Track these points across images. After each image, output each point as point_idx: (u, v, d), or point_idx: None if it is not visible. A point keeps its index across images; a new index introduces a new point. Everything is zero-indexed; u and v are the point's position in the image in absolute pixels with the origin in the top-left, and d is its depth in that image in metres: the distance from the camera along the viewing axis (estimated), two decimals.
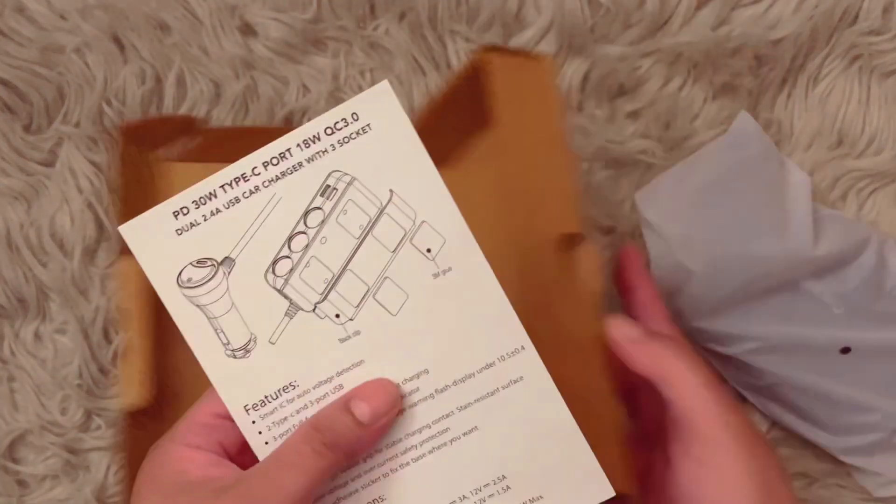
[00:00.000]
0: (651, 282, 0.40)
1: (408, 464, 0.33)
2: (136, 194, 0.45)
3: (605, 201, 0.50)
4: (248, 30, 0.50)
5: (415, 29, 0.49)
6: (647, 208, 0.47)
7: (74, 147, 0.49)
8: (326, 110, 0.49)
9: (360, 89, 0.50)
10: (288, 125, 0.50)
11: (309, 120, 0.49)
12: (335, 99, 0.50)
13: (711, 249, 0.45)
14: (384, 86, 0.32)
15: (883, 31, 0.48)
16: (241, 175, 0.32)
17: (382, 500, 0.33)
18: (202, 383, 0.44)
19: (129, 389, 0.41)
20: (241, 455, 0.34)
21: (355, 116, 0.32)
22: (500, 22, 0.48)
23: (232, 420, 0.33)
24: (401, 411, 0.33)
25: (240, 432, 0.33)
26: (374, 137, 0.32)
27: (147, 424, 0.41)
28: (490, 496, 0.34)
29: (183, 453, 0.32)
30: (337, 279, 0.33)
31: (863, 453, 0.48)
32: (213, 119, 0.49)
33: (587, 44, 0.48)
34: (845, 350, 0.46)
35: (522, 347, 0.33)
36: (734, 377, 0.49)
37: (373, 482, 0.33)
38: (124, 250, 0.42)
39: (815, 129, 0.49)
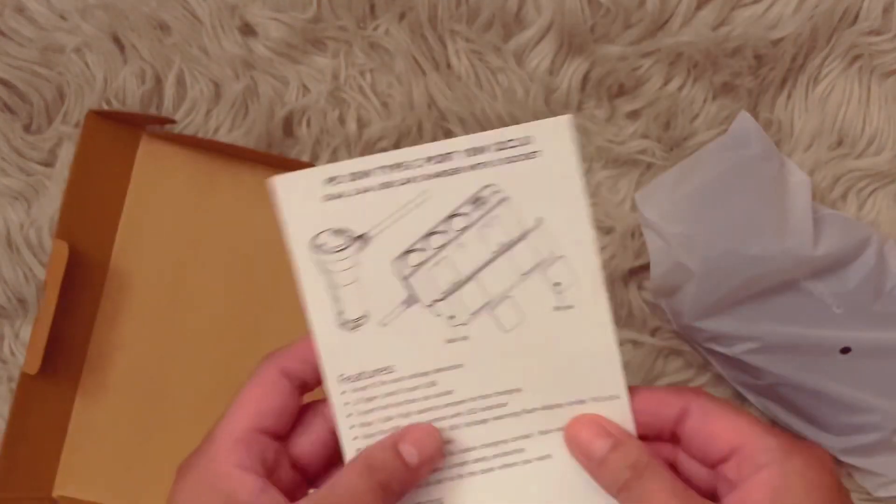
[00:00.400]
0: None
1: (475, 473, 0.34)
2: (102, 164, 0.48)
3: (605, 201, 0.50)
4: (248, 30, 0.50)
5: (415, 29, 0.49)
6: (647, 208, 0.47)
7: (74, 147, 0.49)
8: (326, 110, 0.49)
9: (360, 89, 0.50)
10: (288, 125, 0.50)
11: (309, 120, 0.50)
12: (335, 99, 0.50)
13: (711, 249, 0.45)
14: (567, 120, 0.32)
15: (883, 31, 0.48)
16: (402, 163, 0.32)
17: (440, 502, 0.34)
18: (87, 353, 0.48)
19: (30, 356, 0.44)
20: (276, 474, 0.33)
21: (528, 140, 0.32)
22: (500, 22, 0.48)
23: (269, 436, 0.33)
24: (482, 422, 0.34)
25: (276, 449, 0.33)
26: (540, 165, 0.32)
27: (33, 384, 0.46)
28: None
29: (230, 472, 0.32)
30: (462, 284, 0.33)
31: (863, 453, 0.48)
32: (213, 118, 0.50)
33: (587, 44, 0.48)
34: (845, 350, 0.46)
35: (617, 396, 0.33)
36: (734, 377, 0.49)
37: (437, 482, 0.34)
38: (57, 234, 0.45)
39: (815, 129, 0.49)
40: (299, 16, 0.48)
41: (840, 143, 0.50)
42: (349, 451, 0.33)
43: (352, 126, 0.50)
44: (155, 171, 0.49)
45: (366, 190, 0.32)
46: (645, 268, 0.49)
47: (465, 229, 0.33)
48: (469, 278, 0.33)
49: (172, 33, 0.49)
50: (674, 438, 0.34)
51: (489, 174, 0.32)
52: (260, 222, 0.49)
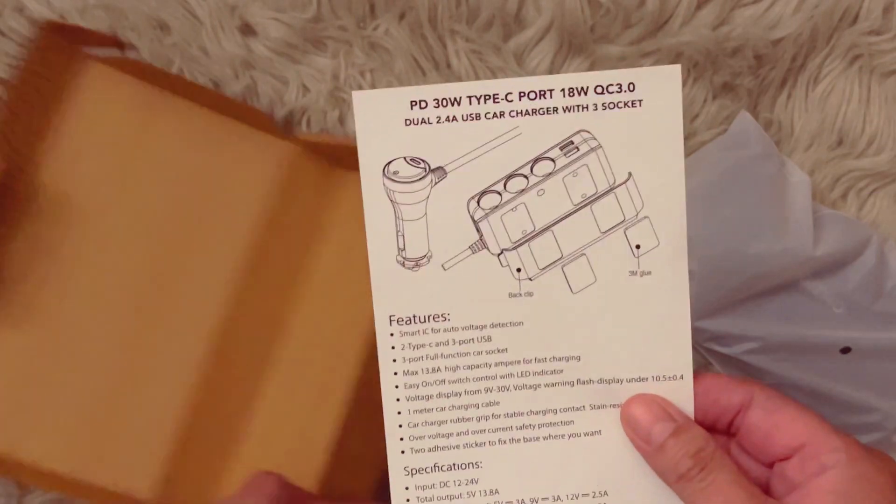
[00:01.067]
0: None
1: (518, 440, 0.32)
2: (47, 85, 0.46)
3: None
4: (248, 30, 0.49)
5: (415, 29, 0.49)
6: None
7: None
8: (326, 110, 0.49)
9: (360, 89, 0.50)
10: (288, 125, 0.50)
11: (309, 120, 0.49)
12: (335, 99, 0.50)
13: (711, 249, 0.45)
14: (675, 70, 0.30)
15: (883, 31, 0.48)
16: (493, 94, 0.30)
17: (478, 465, 0.32)
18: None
19: None
20: None
21: (632, 87, 0.30)
22: (500, 22, 0.48)
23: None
24: (534, 387, 0.32)
25: None
26: (640, 115, 0.30)
27: None
28: None
29: None
30: (535, 235, 0.31)
31: None
32: None
33: (587, 44, 0.48)
34: (845, 350, 0.46)
35: (682, 377, 0.32)
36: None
37: (476, 445, 0.32)
38: None
39: (816, 129, 0.49)
40: (299, 16, 0.48)
41: (840, 143, 0.50)
42: (389, 397, 0.31)
43: (352, 126, 0.49)
44: (100, 98, 0.46)
45: (451, 119, 0.30)
46: None
47: (549, 175, 0.31)
48: (544, 230, 0.31)
49: (172, 33, 0.49)
50: (728, 430, 0.32)
51: (585, 118, 0.30)
52: (202, 166, 0.46)
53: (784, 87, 0.50)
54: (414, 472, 0.32)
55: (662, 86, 0.30)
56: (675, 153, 0.31)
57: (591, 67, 0.49)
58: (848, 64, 0.49)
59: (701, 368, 0.51)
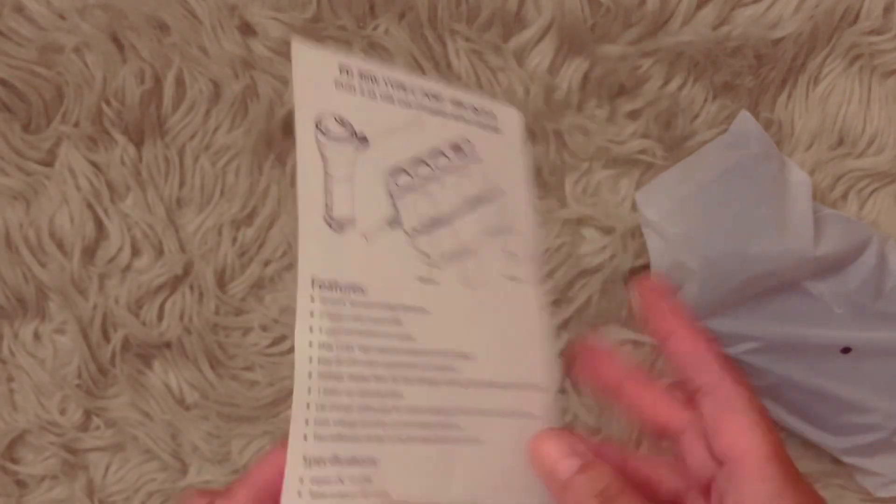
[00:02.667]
0: (685, 319, 0.33)
1: (415, 439, 0.30)
2: None
3: (605, 201, 0.50)
4: (247, 29, 0.49)
5: (415, 29, 0.49)
6: (647, 208, 0.47)
7: (73, 147, 0.49)
8: None
9: None
10: (288, 125, 0.50)
11: None
12: None
13: (711, 249, 0.45)
14: (519, 115, 0.34)
15: (883, 31, 0.48)
16: (404, 85, 0.32)
17: (374, 463, 0.29)
18: None
19: None
20: None
21: (493, 116, 0.33)
22: (501, 21, 0.48)
23: None
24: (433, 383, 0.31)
25: None
26: (501, 142, 0.33)
27: None
28: None
29: None
30: (440, 223, 0.32)
31: (863, 453, 0.48)
32: (213, 118, 0.49)
33: (587, 43, 0.48)
34: (845, 350, 0.46)
35: (546, 389, 0.32)
36: None
37: (377, 439, 0.29)
38: None
39: (816, 129, 0.49)
40: (299, 15, 0.48)
41: (840, 142, 0.50)
42: (301, 371, 0.28)
43: None
44: None
45: (371, 94, 0.32)
46: (645, 268, 0.49)
47: (447, 170, 0.32)
48: (447, 220, 0.32)
49: (172, 33, 0.49)
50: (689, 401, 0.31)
51: (468, 130, 0.33)
52: None
53: (784, 86, 0.50)
54: (312, 462, 0.29)
55: (507, 122, 0.34)
56: (521, 184, 0.33)
57: (592, 67, 0.49)
58: (848, 64, 0.49)
59: None
